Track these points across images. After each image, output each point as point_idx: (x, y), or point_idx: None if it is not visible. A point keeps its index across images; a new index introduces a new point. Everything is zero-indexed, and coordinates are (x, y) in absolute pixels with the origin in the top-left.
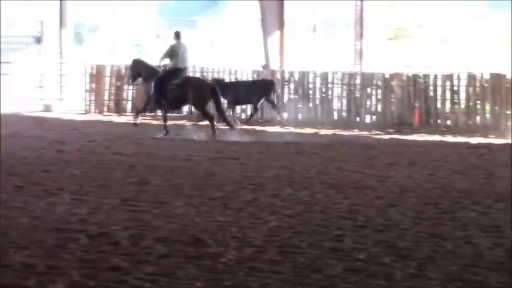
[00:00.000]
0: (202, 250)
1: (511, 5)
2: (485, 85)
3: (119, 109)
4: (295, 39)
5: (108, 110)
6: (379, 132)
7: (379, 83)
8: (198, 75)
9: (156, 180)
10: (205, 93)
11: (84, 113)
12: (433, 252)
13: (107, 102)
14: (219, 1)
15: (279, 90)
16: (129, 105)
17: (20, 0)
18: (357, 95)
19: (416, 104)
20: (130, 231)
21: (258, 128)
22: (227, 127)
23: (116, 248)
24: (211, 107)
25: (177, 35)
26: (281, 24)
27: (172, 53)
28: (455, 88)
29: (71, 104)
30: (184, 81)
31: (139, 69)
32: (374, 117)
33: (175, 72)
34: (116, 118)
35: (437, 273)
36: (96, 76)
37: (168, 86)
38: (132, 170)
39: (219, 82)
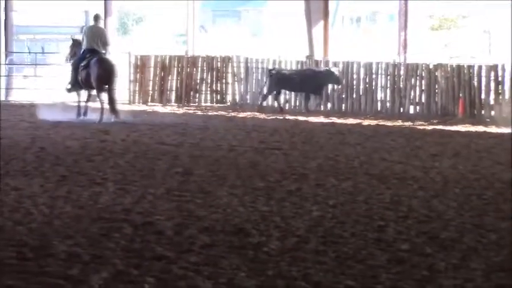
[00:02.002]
0: (245, 240)
1: None
2: None
3: (162, 99)
4: (340, 30)
5: (152, 100)
6: (423, 123)
7: (424, 74)
8: (242, 65)
9: (200, 171)
10: (100, 75)
11: (128, 103)
12: (476, 243)
13: (151, 92)
14: None
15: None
16: (173, 96)
17: None
18: (401, 85)
19: (461, 95)
20: (174, 221)
21: (300, 117)
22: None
23: (159, 237)
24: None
25: (95, 18)
26: (325, 15)
27: (84, 35)
28: (499, 79)
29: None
30: (88, 63)
31: (75, 49)
32: (418, 107)
33: (84, 53)
34: (160, 108)
35: (480, 264)
36: (141, 66)
37: (79, 67)
38: (176, 160)
39: (280, 72)
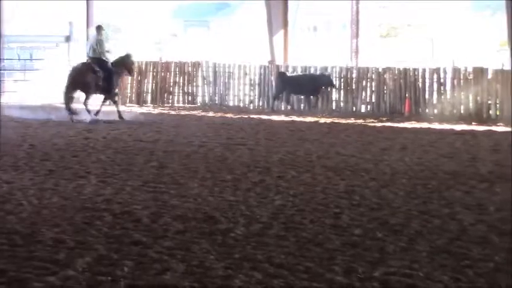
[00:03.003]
0: (215, 226)
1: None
2: (469, 78)
3: (139, 100)
4: (298, 38)
5: (130, 101)
6: (373, 120)
7: (373, 76)
8: (210, 69)
9: (174, 164)
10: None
11: (109, 104)
12: (422, 227)
13: (129, 94)
14: (231, 2)
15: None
16: (149, 97)
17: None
18: (353, 87)
19: (407, 95)
20: (150, 210)
21: (264, 116)
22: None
23: (137, 224)
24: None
25: (97, 29)
26: (285, 24)
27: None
28: (441, 80)
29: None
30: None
31: None
32: (369, 107)
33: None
34: (137, 109)
35: (425, 247)
36: None
37: None
38: (152, 155)
39: (283, 75)
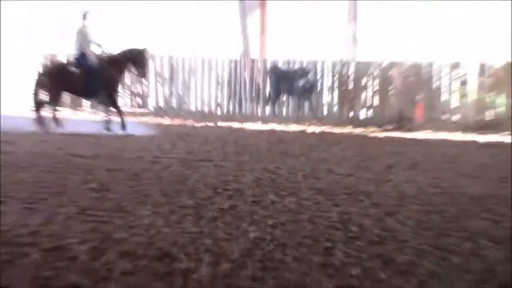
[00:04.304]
0: (172, 265)
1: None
2: (499, 75)
3: (74, 104)
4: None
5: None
6: (375, 129)
7: (376, 73)
8: (166, 64)
9: (118, 186)
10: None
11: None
12: (437, 267)
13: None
14: None
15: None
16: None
17: None
18: (350, 87)
19: (419, 97)
20: (89, 245)
21: (235, 124)
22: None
23: (73, 263)
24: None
25: (83, 17)
26: (263, 27)
27: None
28: (464, 78)
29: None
30: None
31: None
32: (370, 112)
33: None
34: (71, 114)
35: None
36: None
37: None
38: (90, 175)
39: (278, 69)
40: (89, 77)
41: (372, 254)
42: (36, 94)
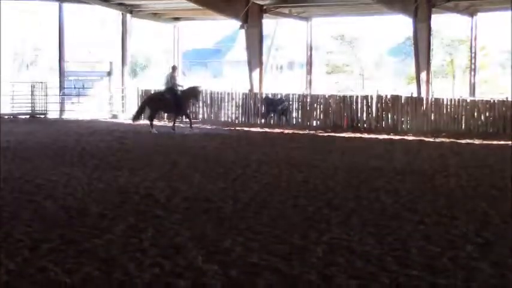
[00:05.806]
0: (208, 205)
1: None
2: (388, 102)
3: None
4: (269, 73)
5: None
6: (321, 131)
7: (322, 101)
8: (208, 96)
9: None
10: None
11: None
12: (356, 206)
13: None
14: (222, 48)
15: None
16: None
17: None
18: (308, 108)
19: (345, 114)
20: (165, 193)
21: (245, 128)
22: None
23: (156, 203)
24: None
25: (172, 68)
26: (260, 63)
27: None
28: (369, 104)
29: (129, 114)
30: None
31: None
32: (318, 122)
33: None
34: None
35: (359, 220)
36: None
37: None
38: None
39: (268, 98)
40: (175, 101)
41: (320, 199)
42: (141, 111)
